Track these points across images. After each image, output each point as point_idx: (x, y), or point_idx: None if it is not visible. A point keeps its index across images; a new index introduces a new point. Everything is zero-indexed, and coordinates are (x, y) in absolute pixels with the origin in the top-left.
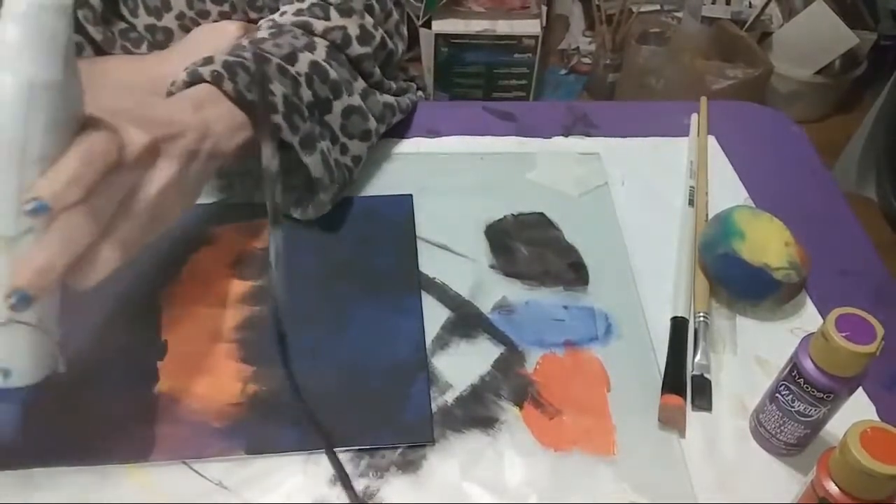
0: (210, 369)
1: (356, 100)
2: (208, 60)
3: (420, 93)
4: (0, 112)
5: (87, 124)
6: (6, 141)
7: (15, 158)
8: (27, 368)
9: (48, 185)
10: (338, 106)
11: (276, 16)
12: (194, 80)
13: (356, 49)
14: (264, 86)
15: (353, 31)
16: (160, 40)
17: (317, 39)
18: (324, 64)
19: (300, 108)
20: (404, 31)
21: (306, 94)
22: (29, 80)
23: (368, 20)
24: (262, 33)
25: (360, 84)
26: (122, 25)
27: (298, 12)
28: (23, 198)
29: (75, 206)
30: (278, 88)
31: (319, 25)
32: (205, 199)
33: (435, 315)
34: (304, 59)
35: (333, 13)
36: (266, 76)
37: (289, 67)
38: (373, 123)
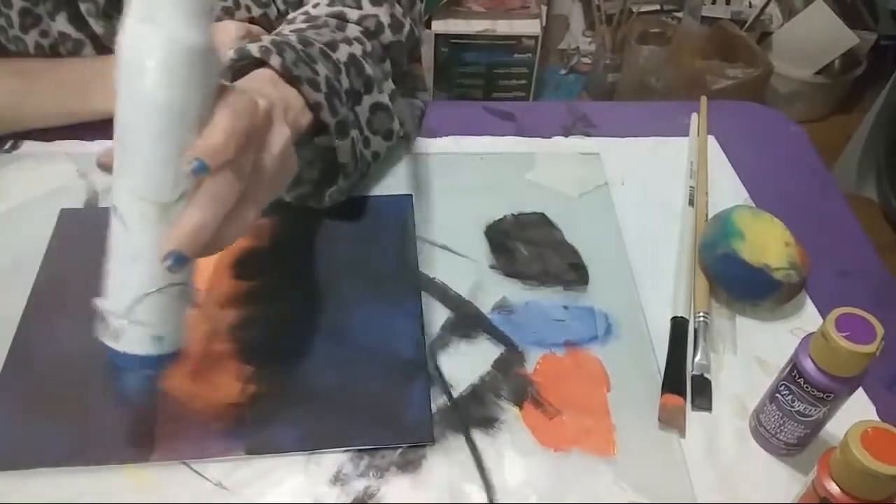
0: (210, 369)
1: (385, 98)
2: (255, 40)
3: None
4: (164, 78)
5: (224, 87)
6: (167, 106)
7: (175, 123)
8: (178, 333)
9: (207, 145)
10: (367, 100)
11: (308, 7)
12: (242, 56)
13: (388, 36)
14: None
15: (385, 19)
16: None
17: (351, 30)
18: (360, 59)
19: (340, 93)
20: (422, 16)
21: (345, 82)
22: (188, 45)
23: (398, 9)
24: (299, 24)
25: (389, 85)
26: None
27: (332, 2)
28: (184, 159)
29: (224, 165)
30: (321, 69)
31: (353, 14)
32: None
33: (435, 315)
34: (344, 49)
35: (365, 2)
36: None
37: (331, 53)
38: (396, 125)
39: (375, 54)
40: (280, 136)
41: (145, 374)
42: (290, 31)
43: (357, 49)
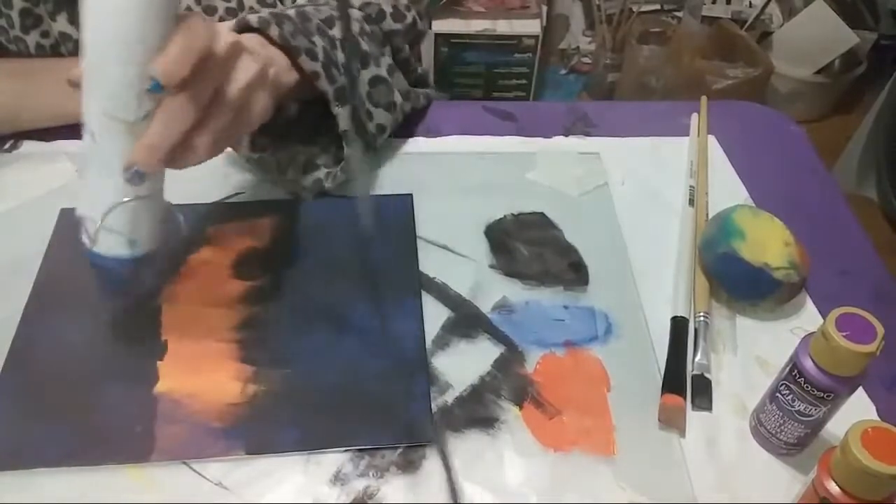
0: (210, 369)
1: (383, 72)
2: (253, 12)
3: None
4: (124, 13)
5: (185, 15)
6: (128, 37)
7: (136, 47)
8: (150, 237)
9: (161, 65)
10: (365, 75)
11: None
12: (241, 27)
13: (389, 24)
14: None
15: (387, 8)
16: None
17: (352, 13)
18: (356, 36)
19: (337, 63)
20: (429, 15)
21: (340, 57)
22: None
23: (402, 1)
24: (301, 1)
25: (387, 59)
26: None
27: None
28: (141, 79)
29: (179, 90)
30: (319, 41)
31: (356, 1)
32: (208, 198)
33: (435, 315)
34: (340, 27)
35: None
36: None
37: (327, 29)
38: (398, 97)
39: (375, 36)
40: (247, 70)
41: (122, 273)
42: (290, 6)
43: (355, 27)
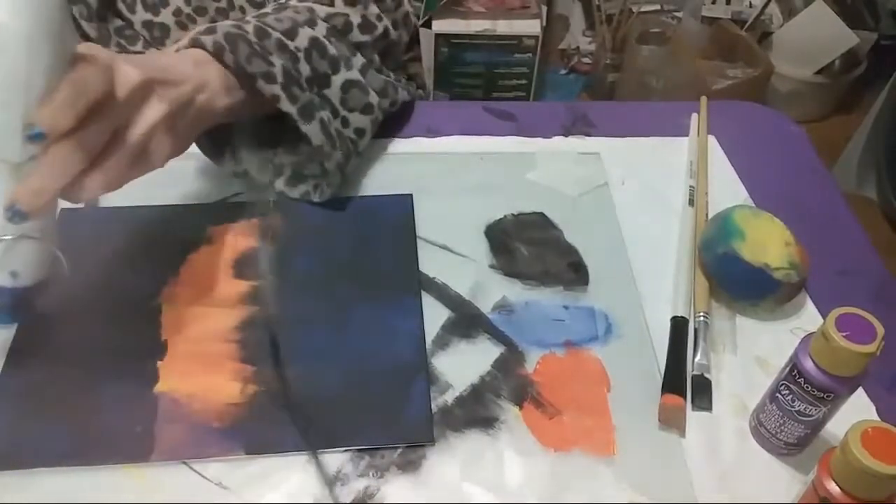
0: (210, 369)
1: (355, 74)
2: (211, 30)
3: (420, 91)
4: (5, 56)
5: (81, 59)
6: (12, 81)
7: (21, 95)
8: (32, 272)
9: (44, 114)
10: (336, 80)
11: None
12: (196, 47)
13: (357, 36)
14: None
15: (355, 19)
16: (157, 36)
17: (318, 18)
18: (323, 40)
19: (299, 80)
20: (412, 21)
21: (305, 69)
22: (29, 29)
23: (373, 10)
24: (264, 10)
25: (359, 59)
26: (118, 23)
27: None
28: (25, 125)
29: (68, 136)
30: (277, 61)
31: (322, 10)
32: (208, 198)
33: (435, 315)
34: (304, 34)
35: (338, 1)
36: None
37: (288, 42)
38: (374, 98)
39: (343, 42)
40: (152, 113)
41: (7, 300)
42: (251, 18)
43: (321, 30)
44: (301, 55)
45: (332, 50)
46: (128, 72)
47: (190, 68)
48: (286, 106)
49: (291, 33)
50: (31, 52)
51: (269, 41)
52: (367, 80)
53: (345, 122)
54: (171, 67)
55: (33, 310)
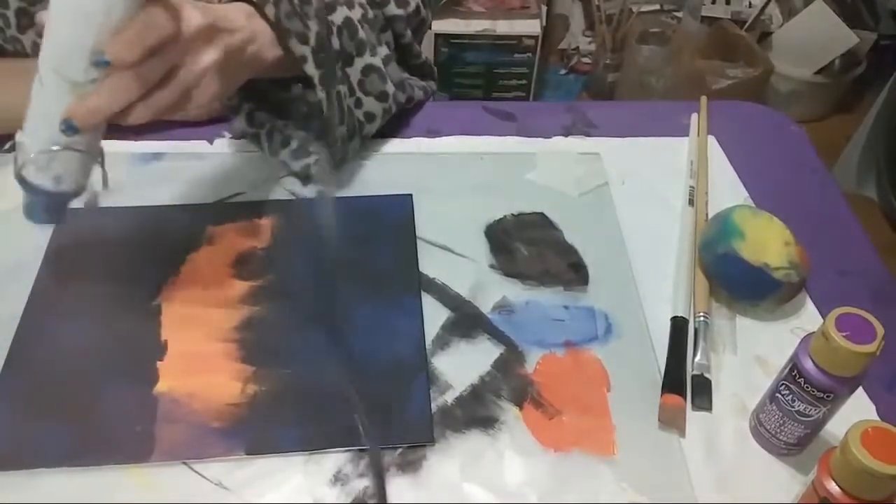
0: (210, 369)
1: (377, 61)
2: None
3: (433, 84)
4: None
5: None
6: (91, 8)
7: (97, 22)
8: (74, 179)
9: (112, 45)
10: (359, 62)
11: None
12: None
13: (392, 9)
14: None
15: None
16: None
17: None
18: (356, 23)
19: (328, 50)
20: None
21: (335, 43)
22: None
23: None
24: None
25: (383, 50)
26: None
27: None
28: (93, 51)
29: (130, 66)
30: (313, 26)
31: None
32: (208, 198)
33: (435, 315)
34: (341, 13)
35: None
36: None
37: (326, 15)
38: (391, 87)
39: (376, 23)
40: (208, 57)
41: (45, 203)
42: None
43: (356, 13)
44: (334, 29)
45: (361, 34)
46: (193, 16)
47: (242, 19)
48: (311, 69)
49: (330, 7)
50: None
51: (309, 7)
52: (387, 70)
53: (358, 103)
54: (227, 15)
55: (66, 217)
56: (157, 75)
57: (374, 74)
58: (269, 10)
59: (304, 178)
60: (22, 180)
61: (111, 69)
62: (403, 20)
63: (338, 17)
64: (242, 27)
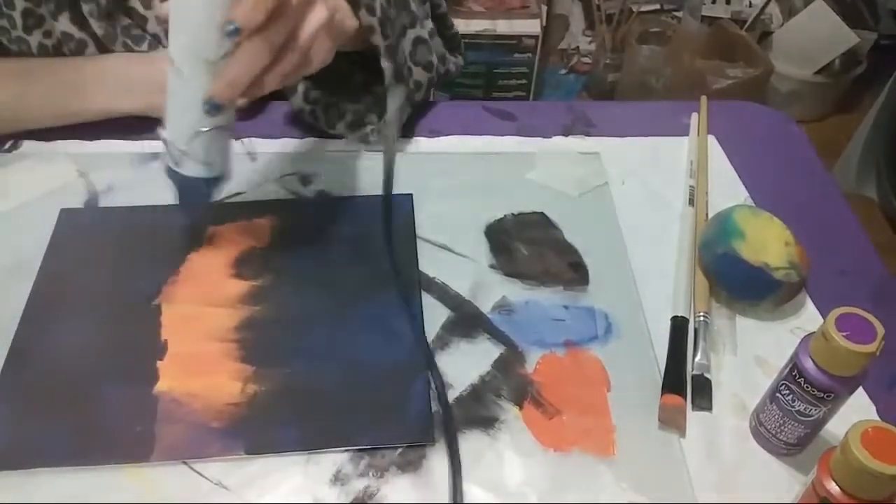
0: (210, 369)
1: (425, 34)
2: None
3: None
4: None
5: None
6: None
7: None
8: (224, 160)
9: (240, 11)
10: (411, 34)
11: None
12: None
13: None
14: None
15: None
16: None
17: None
18: None
19: (392, 20)
20: None
21: (392, 13)
22: None
23: None
24: None
25: (429, 23)
26: (126, 21)
27: None
28: (223, 23)
29: (257, 33)
30: None
31: None
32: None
33: (435, 315)
34: None
35: None
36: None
37: None
38: (434, 58)
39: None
40: (318, 16)
41: (199, 191)
42: None
43: None
44: (392, 1)
45: (413, 6)
46: None
47: None
48: (377, 39)
49: None
50: None
51: None
52: (432, 42)
53: (409, 72)
54: None
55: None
56: (282, 38)
57: (423, 45)
58: None
59: (363, 143)
60: (175, 175)
61: (241, 37)
62: None
63: None
64: None
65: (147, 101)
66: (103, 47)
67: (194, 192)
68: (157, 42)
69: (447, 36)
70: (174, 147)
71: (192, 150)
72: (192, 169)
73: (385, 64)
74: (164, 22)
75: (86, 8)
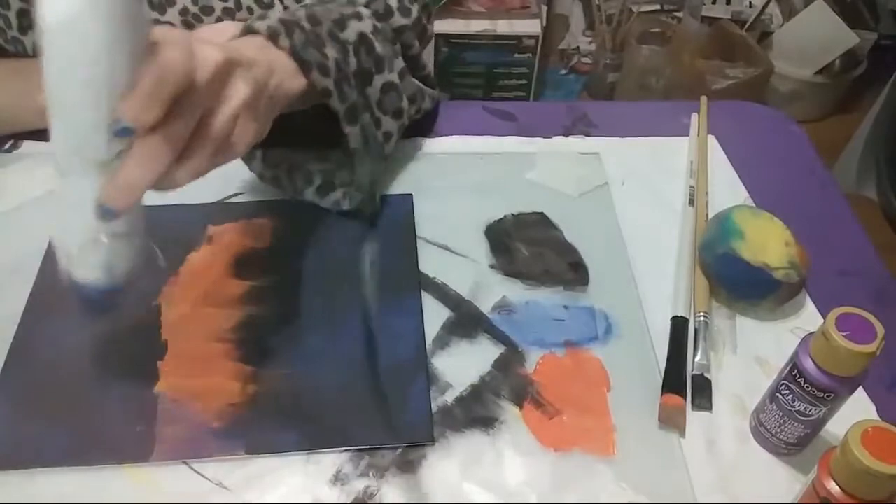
0: (210, 369)
1: (395, 77)
2: (262, 17)
3: (440, 92)
4: (85, 50)
5: (159, 43)
6: (93, 76)
7: (104, 90)
8: (124, 267)
9: (129, 107)
10: (378, 80)
11: None
12: (249, 33)
13: (398, 20)
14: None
15: (393, 3)
16: None
17: (361, 9)
18: (370, 36)
19: (349, 77)
20: (432, 13)
21: (353, 63)
22: (107, 18)
23: None
24: (307, 1)
25: (399, 62)
26: None
27: None
28: (110, 122)
29: (155, 128)
30: (330, 52)
31: None
32: (208, 198)
33: (435, 315)
34: (353, 27)
35: None
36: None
37: (339, 33)
38: (405, 103)
39: (386, 34)
40: (237, 95)
41: (101, 298)
42: (300, 7)
43: (367, 25)
44: (350, 48)
45: (378, 48)
46: (209, 53)
47: (256, 51)
48: (336, 103)
49: (341, 24)
50: (111, 44)
51: (321, 28)
52: (403, 84)
53: (377, 124)
54: (239, 49)
55: (119, 304)
56: (188, 130)
57: (392, 92)
58: (284, 41)
59: (337, 209)
60: (71, 279)
61: (135, 137)
62: (410, 29)
63: (351, 32)
64: (259, 60)
65: None
66: None
67: (90, 298)
68: None
69: (420, 78)
70: (65, 251)
71: (85, 258)
72: (86, 277)
73: (348, 129)
74: (42, 114)
75: None
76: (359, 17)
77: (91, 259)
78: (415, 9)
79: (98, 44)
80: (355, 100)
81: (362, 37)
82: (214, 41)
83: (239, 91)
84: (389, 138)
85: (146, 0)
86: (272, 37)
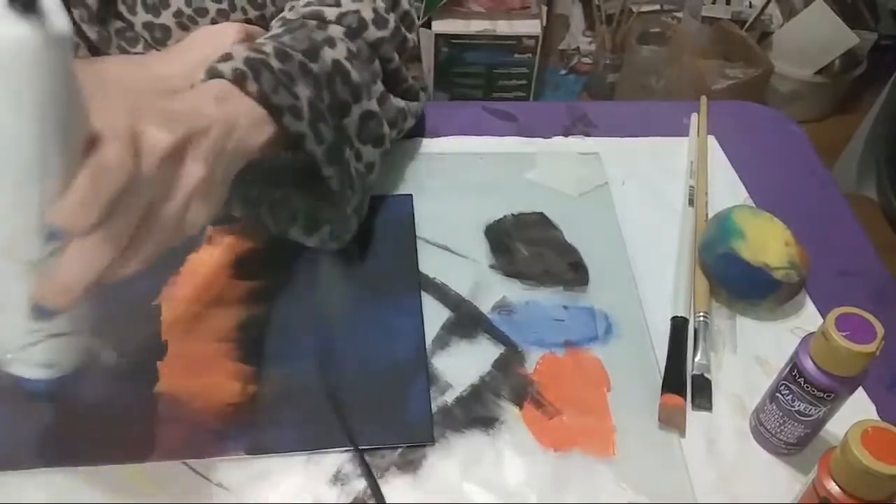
0: (210, 369)
1: (374, 105)
2: (227, 57)
3: (424, 93)
4: (17, 150)
5: (98, 137)
6: (24, 178)
7: (35, 192)
8: (68, 362)
9: (61, 211)
10: (356, 110)
11: (285, 13)
12: (212, 77)
13: (373, 33)
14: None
15: (367, 14)
16: (158, 38)
17: (333, 30)
18: (345, 63)
19: (324, 115)
20: (415, 20)
21: (326, 97)
22: (39, 112)
23: (380, 4)
24: (276, 30)
25: (378, 88)
26: (119, 24)
27: (308, 4)
28: (43, 225)
29: (94, 228)
30: (303, 92)
31: (332, 12)
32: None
33: (435, 315)
34: (327, 56)
35: (344, 0)
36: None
37: (311, 66)
38: (386, 129)
39: (362, 55)
40: (187, 181)
41: (41, 390)
42: (266, 40)
43: (341, 51)
44: (323, 81)
45: (354, 76)
46: (155, 139)
47: (212, 108)
48: (312, 146)
49: (312, 55)
50: (42, 143)
51: (291, 64)
52: (383, 109)
53: (358, 156)
54: (195, 108)
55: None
56: (130, 225)
57: (372, 121)
58: (251, 85)
59: (324, 247)
60: (9, 375)
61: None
62: (388, 42)
63: (324, 63)
64: (214, 120)
65: None
66: (95, 51)
67: (32, 392)
68: (154, 42)
69: (402, 90)
70: (2, 350)
71: (26, 357)
72: (28, 372)
73: (327, 172)
74: None
75: (76, 13)
76: (331, 43)
77: (32, 359)
78: (392, 18)
79: (28, 142)
80: (334, 140)
81: (337, 65)
82: (165, 110)
83: (191, 175)
84: (371, 169)
85: (82, 94)
86: (238, 81)
